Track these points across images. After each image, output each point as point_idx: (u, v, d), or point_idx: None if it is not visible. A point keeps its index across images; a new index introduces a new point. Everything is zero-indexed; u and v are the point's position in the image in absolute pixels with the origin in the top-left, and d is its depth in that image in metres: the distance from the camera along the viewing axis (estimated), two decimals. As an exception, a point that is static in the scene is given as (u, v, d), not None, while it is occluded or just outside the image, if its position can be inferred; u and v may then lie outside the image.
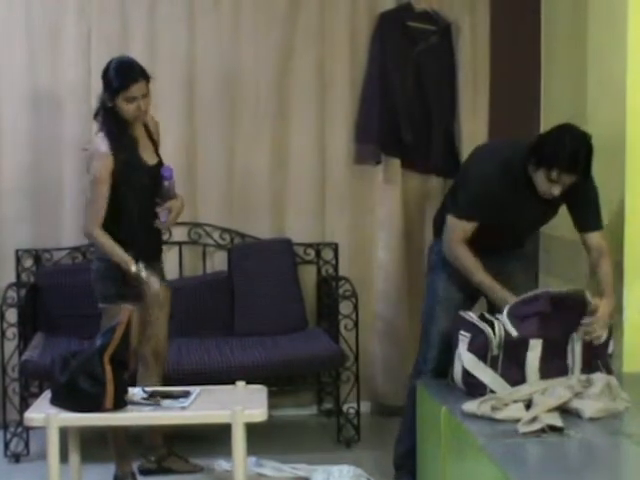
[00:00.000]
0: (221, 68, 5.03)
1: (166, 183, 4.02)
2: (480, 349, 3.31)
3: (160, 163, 4.06)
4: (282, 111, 5.09)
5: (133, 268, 3.88)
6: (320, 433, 4.89)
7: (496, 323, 3.31)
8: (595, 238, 3.59)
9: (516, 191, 3.50)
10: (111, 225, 3.92)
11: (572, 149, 3.33)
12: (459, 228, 3.58)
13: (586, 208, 3.59)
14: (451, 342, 3.59)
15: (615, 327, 3.57)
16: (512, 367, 3.30)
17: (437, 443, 3.33)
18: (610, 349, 3.49)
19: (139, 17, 4.94)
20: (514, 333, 3.31)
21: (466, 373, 3.34)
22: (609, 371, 3.44)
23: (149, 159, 4.01)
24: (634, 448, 2.88)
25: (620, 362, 3.71)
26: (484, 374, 3.30)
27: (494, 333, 3.29)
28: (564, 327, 3.36)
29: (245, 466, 3.26)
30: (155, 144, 4.08)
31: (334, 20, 5.09)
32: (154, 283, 3.89)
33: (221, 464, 4.17)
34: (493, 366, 3.30)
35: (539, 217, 3.72)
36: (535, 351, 3.30)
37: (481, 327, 3.31)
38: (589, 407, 3.09)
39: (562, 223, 3.76)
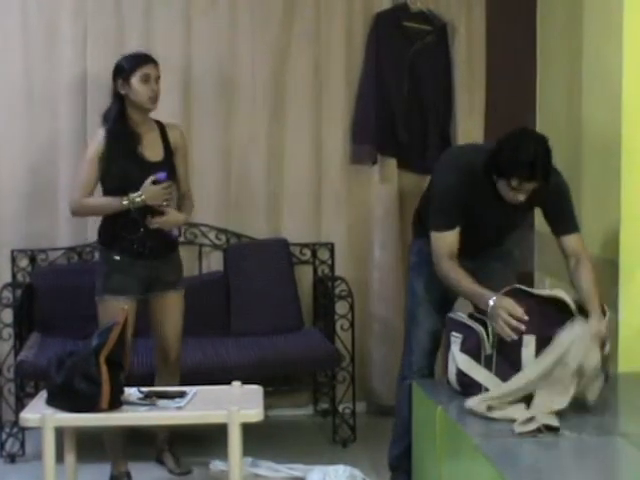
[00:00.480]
0: (217, 68, 5.03)
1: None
2: (473, 349, 3.31)
3: (164, 162, 4.06)
4: (278, 111, 5.09)
5: (124, 202, 3.90)
6: (316, 433, 4.90)
7: (488, 323, 3.30)
8: (571, 241, 3.54)
9: (483, 196, 3.49)
10: (110, 218, 3.99)
11: (528, 157, 3.28)
12: (443, 241, 3.53)
13: (558, 211, 3.57)
14: (435, 344, 3.67)
15: (610, 327, 3.57)
16: (506, 365, 3.29)
17: (432, 443, 3.33)
18: (606, 350, 3.49)
19: (135, 18, 4.94)
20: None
21: (461, 374, 3.33)
22: (605, 372, 3.44)
23: (150, 155, 4.03)
24: (629, 448, 2.88)
25: (615, 362, 3.72)
26: (478, 374, 3.30)
27: (487, 332, 3.29)
28: (554, 324, 3.36)
29: (241, 466, 3.26)
30: (168, 147, 4.10)
31: (330, 20, 5.09)
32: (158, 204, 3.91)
33: (217, 464, 4.16)
34: (487, 365, 3.30)
35: (512, 218, 3.69)
36: (530, 347, 3.29)
37: (473, 327, 3.31)
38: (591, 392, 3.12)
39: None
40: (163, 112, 4.92)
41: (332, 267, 5.12)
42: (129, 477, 4.14)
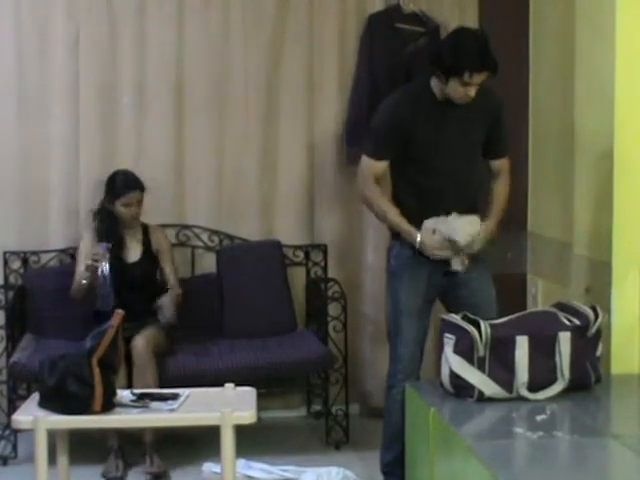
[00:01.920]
0: (210, 69, 5.03)
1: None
2: (466, 350, 3.30)
3: (139, 263, 4.58)
4: (271, 112, 5.09)
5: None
6: (309, 435, 4.90)
7: (481, 322, 3.31)
8: (498, 164, 3.84)
9: (425, 113, 3.64)
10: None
11: (475, 47, 3.50)
12: (370, 167, 3.74)
13: (498, 137, 3.81)
14: (419, 350, 3.76)
15: (603, 329, 3.58)
16: (500, 366, 3.29)
17: (425, 444, 3.33)
18: (598, 352, 3.50)
19: (128, 19, 4.93)
20: (500, 332, 3.30)
21: (454, 375, 3.32)
22: (597, 373, 3.45)
23: (128, 256, 4.57)
24: (622, 449, 2.89)
25: (608, 364, 3.72)
26: (472, 375, 3.29)
27: (480, 333, 3.29)
28: (548, 325, 3.37)
29: (234, 468, 3.26)
30: (148, 249, 4.63)
31: (323, 21, 5.09)
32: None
33: (210, 466, 4.16)
34: (480, 367, 3.29)
35: (465, 138, 3.76)
36: (523, 348, 3.30)
37: (466, 328, 3.31)
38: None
39: (548, 224, 3.78)
40: (156, 113, 4.96)
41: (325, 269, 5.12)
42: (122, 451, 4.26)
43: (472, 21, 5.20)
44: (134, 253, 4.61)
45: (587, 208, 3.67)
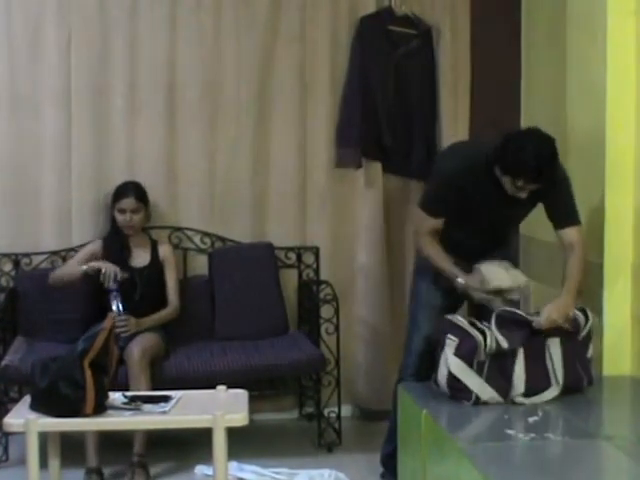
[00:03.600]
0: (202, 72, 5.02)
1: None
2: (468, 354, 3.31)
3: (149, 267, 4.66)
4: (263, 114, 5.08)
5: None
6: (301, 437, 4.89)
7: (488, 332, 3.31)
8: (568, 234, 3.56)
9: (482, 187, 3.52)
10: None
11: (535, 160, 3.30)
12: (425, 222, 3.67)
13: (560, 206, 3.57)
14: (432, 348, 3.60)
15: (595, 330, 3.59)
16: (498, 374, 3.31)
17: (417, 446, 3.33)
18: (589, 354, 3.50)
19: (120, 21, 4.92)
20: (504, 345, 3.31)
21: (452, 377, 3.33)
22: (589, 375, 3.46)
23: (137, 262, 4.66)
24: (614, 451, 2.89)
25: (600, 365, 3.73)
26: (470, 379, 3.30)
27: (485, 342, 3.29)
28: (538, 332, 3.38)
29: (226, 471, 3.25)
30: (156, 257, 4.71)
31: (315, 24, 5.09)
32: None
33: (202, 469, 4.15)
34: (479, 371, 3.31)
35: (512, 212, 3.71)
36: (520, 360, 3.32)
37: (472, 333, 3.32)
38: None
39: (540, 225, 3.78)
40: (148, 115, 4.95)
41: (317, 271, 5.11)
42: (100, 474, 4.18)
43: (464, 23, 5.21)
44: (141, 260, 4.68)
45: (579, 209, 3.66)
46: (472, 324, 3.38)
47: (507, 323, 3.35)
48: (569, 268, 3.53)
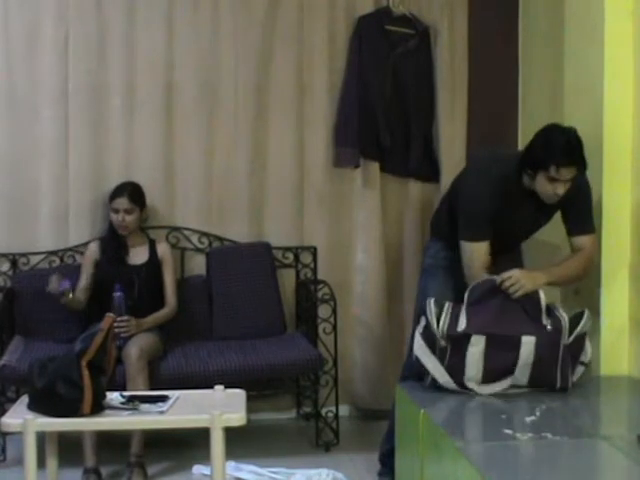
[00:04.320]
0: (199, 71, 5.02)
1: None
2: (430, 338, 3.41)
3: (146, 265, 4.66)
4: (261, 114, 5.08)
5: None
6: (299, 437, 4.89)
7: (442, 316, 3.38)
8: (581, 241, 3.60)
9: (512, 203, 3.53)
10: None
11: (563, 141, 3.38)
12: (477, 253, 3.58)
13: (579, 211, 3.60)
14: None
15: (592, 331, 3.59)
16: (456, 358, 3.37)
17: (415, 445, 3.34)
18: (585, 357, 3.50)
19: (117, 21, 4.92)
20: (462, 327, 3.36)
21: (415, 357, 3.46)
22: (565, 381, 3.42)
23: (135, 260, 4.67)
24: (611, 450, 2.89)
25: (597, 365, 3.73)
26: (428, 361, 3.41)
27: (437, 326, 3.37)
28: (515, 326, 3.39)
29: (224, 470, 3.25)
30: (154, 255, 4.71)
31: (312, 23, 5.09)
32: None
33: (200, 469, 4.16)
34: (441, 356, 3.38)
35: (534, 224, 3.73)
36: (478, 347, 3.35)
37: (428, 317, 3.41)
38: None
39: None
40: (145, 115, 4.95)
41: (315, 270, 5.11)
42: (98, 474, 4.17)
43: (461, 23, 5.22)
44: (140, 257, 4.69)
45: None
46: (439, 307, 3.43)
47: (477, 303, 3.41)
48: (568, 259, 3.60)
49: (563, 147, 3.38)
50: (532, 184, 3.47)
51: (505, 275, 3.44)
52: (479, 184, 3.59)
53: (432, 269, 3.83)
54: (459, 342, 3.36)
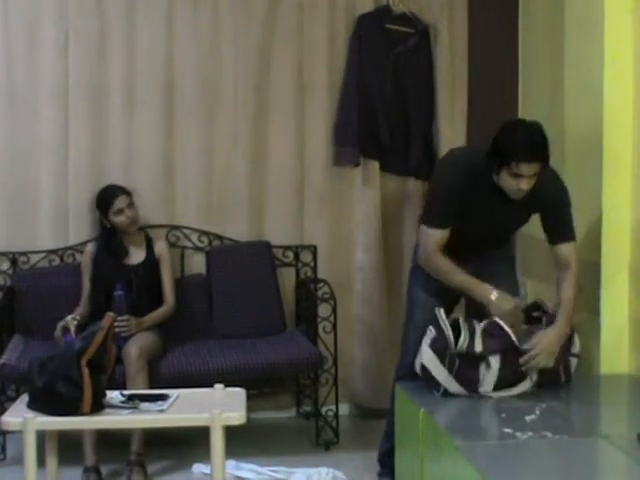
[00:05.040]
0: (200, 70, 5.02)
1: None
2: (440, 349, 3.40)
3: (143, 264, 4.64)
4: (261, 113, 5.08)
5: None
6: (299, 436, 4.89)
7: (462, 334, 3.37)
8: (563, 250, 3.57)
9: (483, 197, 3.51)
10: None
11: (525, 138, 3.35)
12: (432, 237, 3.58)
13: (557, 219, 3.58)
14: None
15: (592, 329, 3.59)
16: (467, 370, 3.37)
17: (415, 444, 3.34)
18: (575, 349, 3.51)
19: (117, 19, 4.92)
20: (479, 349, 3.36)
21: (423, 367, 3.44)
22: (568, 374, 3.46)
23: (132, 260, 4.65)
24: (611, 449, 2.89)
25: (597, 364, 3.73)
26: (439, 372, 3.39)
27: (456, 344, 3.36)
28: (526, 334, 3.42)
29: (224, 469, 3.25)
30: (151, 254, 4.69)
31: (313, 22, 5.09)
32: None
33: (199, 467, 4.16)
34: (450, 365, 3.38)
35: (512, 221, 3.71)
36: (493, 366, 3.37)
37: (445, 331, 3.39)
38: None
39: (538, 225, 3.78)
40: (145, 113, 4.95)
41: (315, 269, 5.11)
42: (98, 473, 4.18)
43: (461, 22, 5.21)
44: (137, 257, 4.66)
45: (575, 207, 3.67)
46: (455, 322, 3.43)
47: (495, 330, 3.40)
48: (565, 290, 3.54)
49: (526, 143, 3.34)
50: (497, 179, 3.45)
51: (527, 358, 3.40)
52: (447, 173, 3.62)
53: (419, 270, 3.83)
54: (474, 359, 3.37)
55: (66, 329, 4.32)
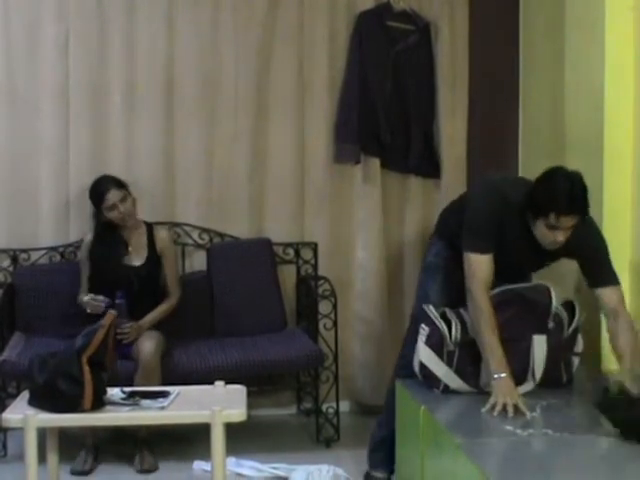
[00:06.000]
0: (200, 68, 5.02)
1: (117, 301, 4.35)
2: (436, 344, 3.39)
3: (145, 266, 4.57)
4: (261, 111, 5.08)
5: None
6: (299, 433, 4.89)
7: (453, 323, 3.37)
8: (607, 294, 3.39)
9: (513, 231, 3.41)
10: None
11: (566, 189, 3.21)
12: (479, 265, 3.39)
13: (594, 261, 3.43)
14: None
15: (592, 327, 3.59)
16: (467, 363, 3.37)
17: (416, 442, 3.34)
18: (578, 348, 3.51)
19: (118, 17, 4.92)
20: (470, 335, 3.36)
21: (422, 365, 3.43)
22: (569, 374, 3.45)
23: (134, 260, 4.58)
24: (613, 447, 2.90)
25: (598, 361, 3.73)
26: (438, 368, 3.38)
27: (450, 333, 3.36)
28: (526, 327, 3.39)
29: (224, 466, 3.25)
30: (153, 249, 4.62)
31: (313, 19, 5.09)
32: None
33: (200, 464, 4.16)
34: (449, 361, 3.37)
35: (534, 262, 3.60)
36: None
37: (438, 325, 3.38)
38: None
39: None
40: (146, 111, 4.95)
41: (315, 267, 5.12)
42: (96, 448, 4.30)
43: (462, 19, 5.21)
44: (139, 257, 4.60)
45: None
46: (443, 314, 3.43)
47: None
48: (624, 345, 3.29)
49: (567, 195, 3.21)
50: (532, 227, 3.34)
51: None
52: (486, 198, 3.49)
53: (433, 267, 3.78)
54: (471, 347, 3.35)
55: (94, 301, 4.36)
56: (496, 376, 3.23)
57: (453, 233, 3.65)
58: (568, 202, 3.21)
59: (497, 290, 3.42)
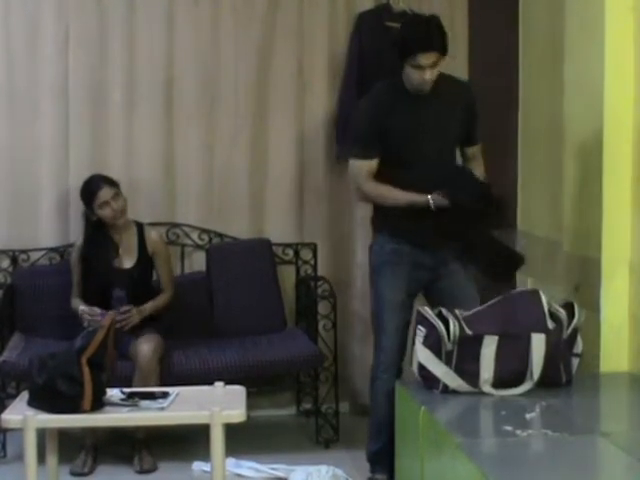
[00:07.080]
0: (200, 67, 5.03)
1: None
2: (434, 344, 3.38)
3: (136, 268, 4.55)
4: (261, 110, 5.09)
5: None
6: (299, 433, 4.89)
7: (451, 321, 3.37)
8: (473, 150, 4.01)
9: (400, 104, 3.77)
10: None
11: (422, 29, 3.69)
12: (360, 168, 3.83)
13: (471, 127, 3.95)
14: (401, 343, 3.86)
15: (592, 327, 3.59)
16: (467, 361, 3.35)
17: (415, 442, 3.33)
18: (578, 349, 3.51)
19: (118, 16, 4.93)
20: (468, 332, 3.35)
21: (421, 366, 3.42)
22: (569, 374, 3.45)
23: (124, 262, 4.56)
24: (610, 447, 2.89)
25: (597, 362, 3.73)
26: (437, 368, 3.37)
27: (448, 331, 3.35)
28: (523, 323, 3.39)
29: (224, 467, 3.25)
30: (143, 251, 4.59)
31: (313, 20, 5.10)
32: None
33: (200, 465, 4.15)
34: (448, 360, 3.36)
35: (435, 130, 3.86)
36: (490, 348, 3.34)
37: (434, 324, 3.38)
38: None
39: (538, 222, 3.79)
40: (146, 110, 4.95)
41: (315, 267, 5.12)
42: (95, 449, 4.29)
43: (462, 17, 5.22)
44: (129, 259, 4.59)
45: (576, 206, 3.67)
46: (439, 314, 3.43)
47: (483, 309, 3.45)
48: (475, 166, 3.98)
49: (421, 34, 3.67)
50: (405, 78, 3.73)
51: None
52: (363, 103, 3.95)
53: (380, 268, 3.89)
54: (470, 344, 3.34)
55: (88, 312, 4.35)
56: (431, 202, 3.69)
57: (389, 221, 3.87)
58: (425, 39, 3.67)
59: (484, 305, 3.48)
